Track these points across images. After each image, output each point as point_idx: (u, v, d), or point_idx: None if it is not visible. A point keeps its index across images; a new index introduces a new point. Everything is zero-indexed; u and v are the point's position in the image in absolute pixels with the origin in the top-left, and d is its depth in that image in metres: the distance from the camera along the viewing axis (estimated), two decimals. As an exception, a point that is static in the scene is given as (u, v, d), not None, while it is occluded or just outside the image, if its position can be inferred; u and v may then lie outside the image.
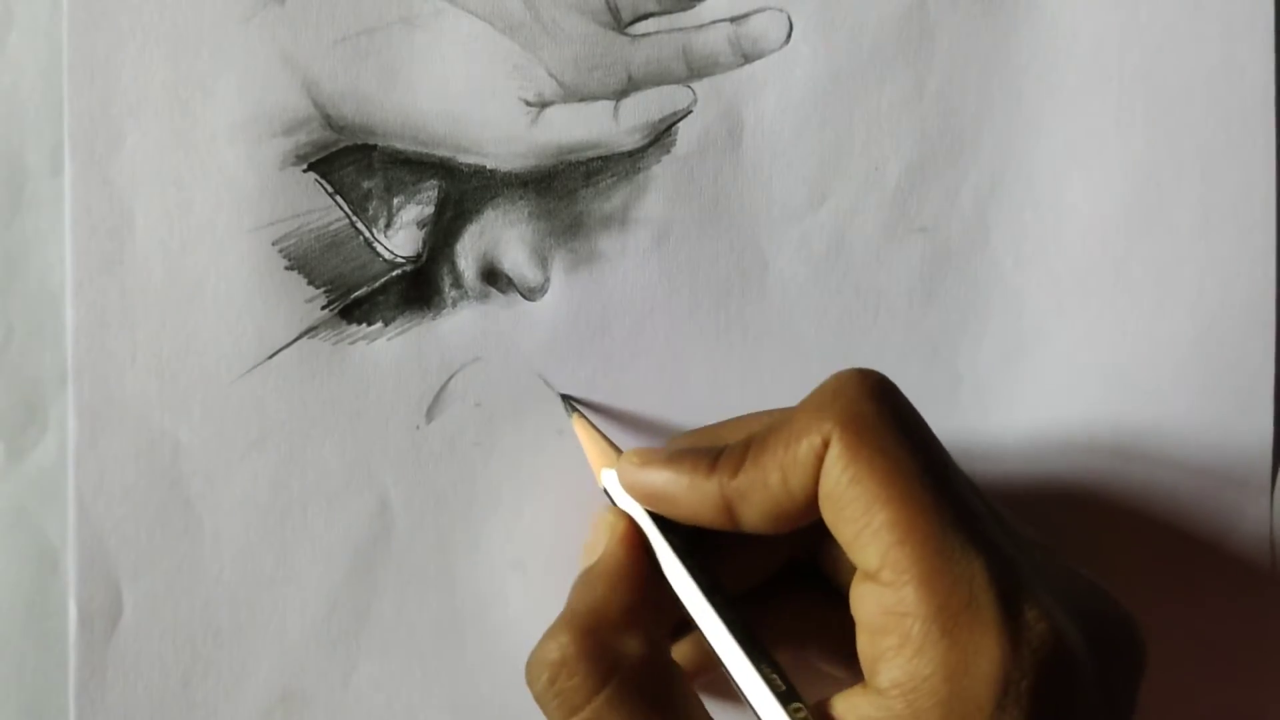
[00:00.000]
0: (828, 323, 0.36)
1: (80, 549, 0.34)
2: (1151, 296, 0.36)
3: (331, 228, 0.35)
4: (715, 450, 0.29)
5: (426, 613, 0.35)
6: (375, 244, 0.35)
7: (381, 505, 0.35)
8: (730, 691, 0.28)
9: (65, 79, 0.34)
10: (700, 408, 0.36)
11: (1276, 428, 0.36)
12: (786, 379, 0.36)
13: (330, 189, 0.35)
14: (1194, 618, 0.36)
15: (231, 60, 0.34)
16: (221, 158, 0.35)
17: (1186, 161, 0.36)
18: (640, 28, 0.35)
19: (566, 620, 0.29)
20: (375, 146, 0.35)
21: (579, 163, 0.35)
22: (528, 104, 0.35)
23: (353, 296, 0.35)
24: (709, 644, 0.28)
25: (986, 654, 0.25)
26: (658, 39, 0.35)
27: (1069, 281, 0.36)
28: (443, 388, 0.35)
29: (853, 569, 0.27)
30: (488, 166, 0.35)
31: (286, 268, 0.35)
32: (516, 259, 0.35)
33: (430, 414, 0.35)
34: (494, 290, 0.35)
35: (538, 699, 0.28)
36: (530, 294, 0.35)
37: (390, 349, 0.35)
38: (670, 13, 0.35)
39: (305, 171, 0.35)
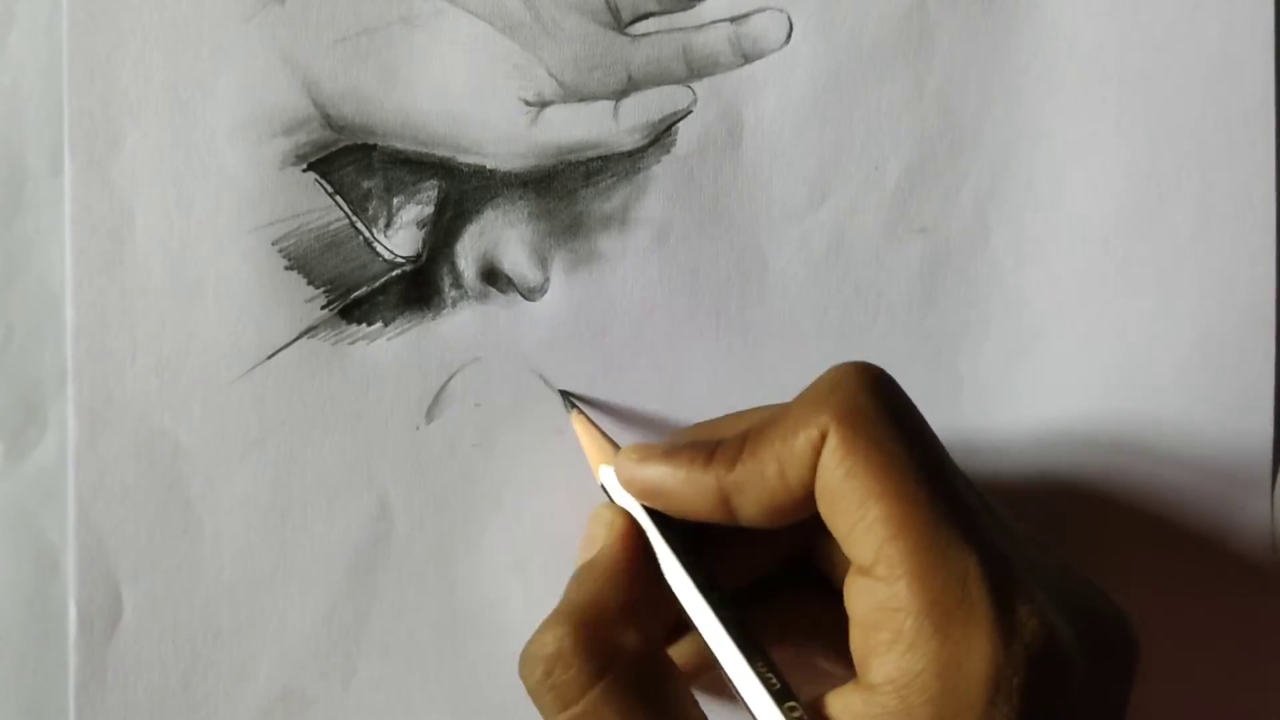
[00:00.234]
0: (828, 323, 0.36)
1: (80, 549, 0.34)
2: (1151, 296, 0.36)
3: (331, 228, 0.35)
4: (712, 443, 0.29)
5: (426, 613, 0.35)
6: (375, 244, 0.35)
7: (381, 506, 0.35)
8: (728, 691, 0.28)
9: (65, 79, 0.34)
10: (700, 408, 0.36)
11: (1276, 428, 0.36)
12: (786, 379, 0.36)
13: (330, 189, 0.35)
14: (1195, 616, 0.36)
15: (231, 60, 0.34)
16: (221, 157, 0.35)
17: (1186, 161, 0.36)
18: (640, 27, 0.35)
19: (563, 613, 0.29)
20: (375, 146, 0.35)
21: (579, 163, 0.35)
22: (527, 104, 0.35)
23: (353, 296, 0.35)
24: (704, 642, 0.28)
25: (979, 650, 0.25)
26: (658, 39, 0.35)
27: (1069, 281, 0.36)
28: (442, 388, 0.35)
29: (849, 565, 0.27)
30: (487, 166, 0.35)
31: (286, 268, 0.35)
32: (516, 259, 0.35)
33: (430, 414, 0.35)
34: (494, 290, 0.35)
35: (531, 692, 0.28)
36: (530, 294, 0.35)
37: (390, 349, 0.35)
38: (670, 12, 0.35)
39: (305, 171, 0.35)
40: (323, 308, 0.35)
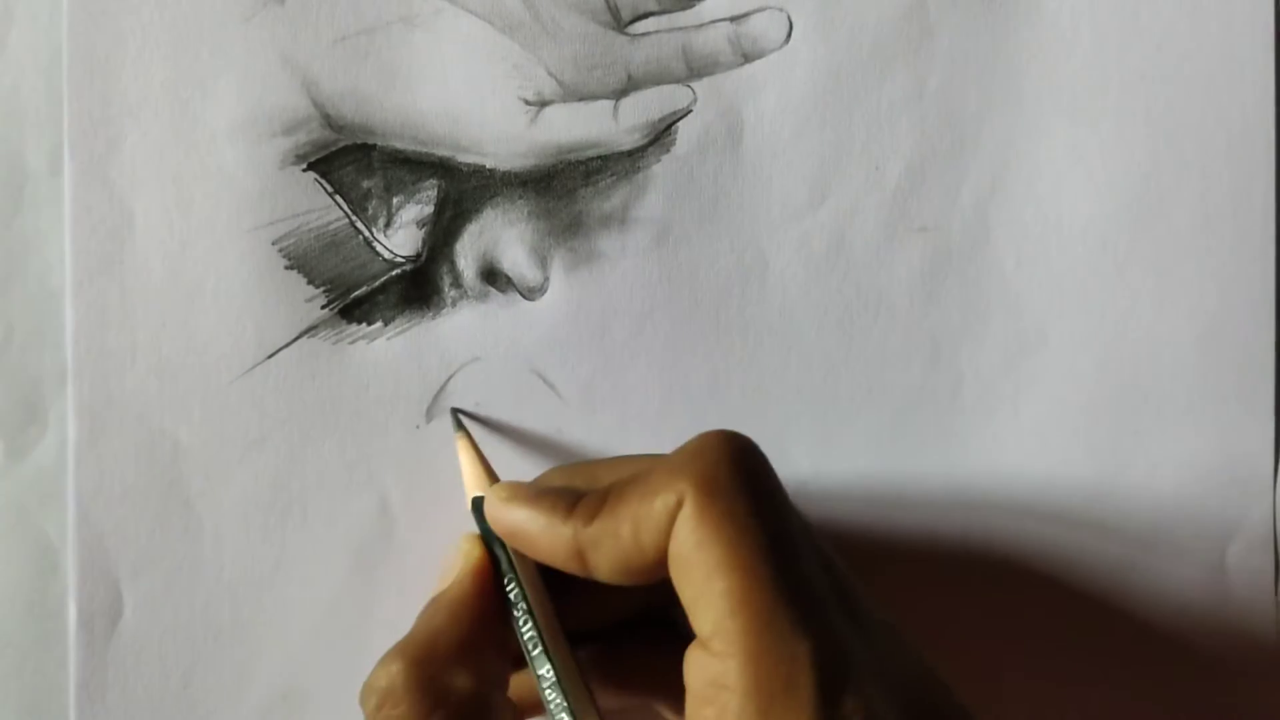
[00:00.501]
0: (828, 323, 0.36)
1: (80, 549, 0.34)
2: (1151, 296, 0.36)
3: (331, 227, 0.35)
4: (577, 494, 0.29)
5: (426, 613, 0.35)
6: (375, 243, 0.35)
7: (381, 505, 0.35)
8: None
9: (65, 79, 0.34)
10: (700, 408, 0.36)
11: (1276, 428, 0.36)
12: (786, 379, 0.36)
13: (330, 188, 0.35)
14: (1195, 617, 0.36)
15: (231, 60, 0.34)
16: (221, 157, 0.35)
17: (1186, 161, 0.36)
18: (640, 27, 0.35)
19: (402, 648, 0.29)
20: (375, 146, 0.35)
21: (578, 162, 0.35)
22: (527, 103, 0.35)
23: (352, 296, 0.35)
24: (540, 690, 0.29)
25: None
26: (657, 38, 0.35)
27: (1069, 281, 0.36)
28: (442, 387, 0.35)
29: None
30: (487, 166, 0.35)
31: (286, 267, 0.35)
32: (516, 258, 0.35)
33: (430, 414, 0.35)
34: (493, 290, 0.35)
35: None
36: (530, 293, 0.35)
37: (390, 348, 0.35)
38: (670, 12, 0.35)
39: (305, 171, 0.35)
40: (323, 307, 0.35)
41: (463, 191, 0.35)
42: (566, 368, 0.35)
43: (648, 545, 0.27)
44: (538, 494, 0.29)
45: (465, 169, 0.35)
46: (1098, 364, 0.36)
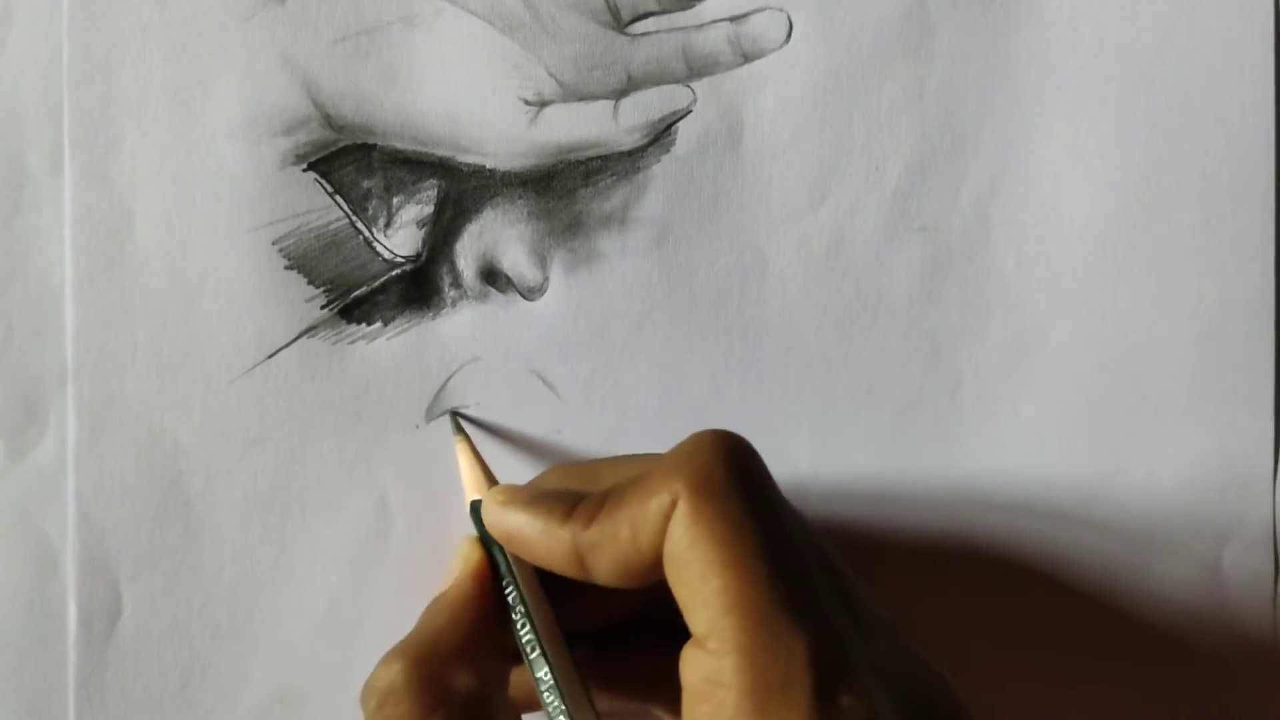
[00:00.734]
0: (828, 323, 0.36)
1: (80, 549, 0.34)
2: (1151, 296, 0.36)
3: (331, 227, 0.35)
4: (575, 498, 0.29)
5: (426, 613, 0.35)
6: (375, 243, 0.35)
7: (381, 505, 0.35)
8: None
9: (65, 79, 0.34)
10: (700, 408, 0.36)
11: (1276, 428, 0.36)
12: (786, 379, 0.36)
13: (330, 188, 0.35)
14: (1194, 617, 0.36)
15: (231, 60, 0.34)
16: (221, 157, 0.35)
17: (1186, 161, 0.36)
18: (640, 27, 0.35)
19: (403, 648, 0.29)
20: (375, 146, 0.35)
21: (578, 162, 0.35)
22: (527, 103, 0.35)
23: (352, 296, 0.35)
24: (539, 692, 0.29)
25: None
26: (657, 38, 0.35)
27: (1069, 281, 0.36)
28: (442, 387, 0.35)
29: None
30: (487, 166, 0.35)
31: (286, 267, 0.35)
32: (516, 258, 0.35)
33: (430, 414, 0.35)
34: (493, 290, 0.35)
35: None
36: (529, 294, 0.35)
37: (390, 349, 0.35)
38: (670, 12, 0.35)
39: (305, 171, 0.35)
40: (322, 307, 0.35)
41: (463, 191, 0.35)
42: (566, 368, 0.36)
43: (645, 547, 0.27)
44: (535, 498, 0.29)
45: (465, 169, 0.35)
46: (1097, 364, 0.36)
